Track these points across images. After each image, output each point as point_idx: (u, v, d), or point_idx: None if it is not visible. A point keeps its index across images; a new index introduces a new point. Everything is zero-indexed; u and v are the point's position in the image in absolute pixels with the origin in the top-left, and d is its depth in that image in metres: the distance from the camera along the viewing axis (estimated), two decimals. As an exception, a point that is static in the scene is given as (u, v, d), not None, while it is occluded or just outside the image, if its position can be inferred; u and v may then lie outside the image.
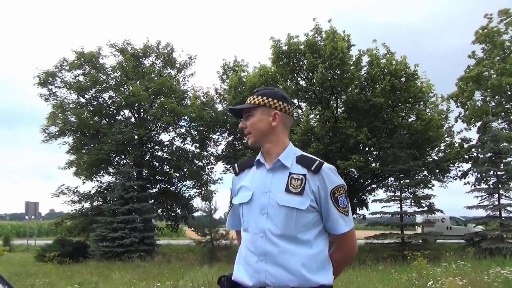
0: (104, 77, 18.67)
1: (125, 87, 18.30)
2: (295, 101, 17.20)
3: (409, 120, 16.22)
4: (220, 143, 18.82)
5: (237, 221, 1.75)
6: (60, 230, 18.13)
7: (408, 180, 13.86)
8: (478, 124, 17.43)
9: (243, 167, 1.77)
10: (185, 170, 18.62)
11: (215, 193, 18.18)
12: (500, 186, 12.60)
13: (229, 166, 17.72)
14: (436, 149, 16.31)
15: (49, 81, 17.99)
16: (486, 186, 13.37)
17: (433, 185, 15.90)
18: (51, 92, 18.19)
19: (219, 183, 19.29)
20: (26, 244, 20.88)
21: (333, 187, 1.62)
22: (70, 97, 18.42)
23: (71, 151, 18.10)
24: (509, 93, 16.92)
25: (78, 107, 18.02)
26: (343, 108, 16.54)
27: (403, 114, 16.17)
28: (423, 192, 14.38)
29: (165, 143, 19.37)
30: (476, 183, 15.66)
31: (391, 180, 15.03)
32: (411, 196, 14.00)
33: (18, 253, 17.54)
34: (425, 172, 16.14)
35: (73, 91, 18.22)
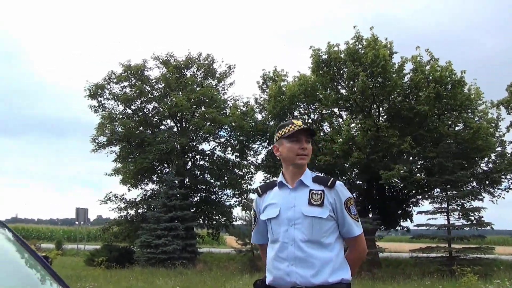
0: (149, 89, 19.37)
1: (168, 98, 18.90)
2: (335, 110, 17.03)
3: (456, 128, 15.55)
4: (260, 153, 18.94)
5: (261, 236, 2.16)
6: (107, 235, 18.88)
7: (455, 192, 13.26)
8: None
9: (265, 189, 2.15)
10: (226, 179, 18.88)
11: (255, 203, 18.23)
12: (558, 198, 11.78)
13: (269, 175, 17.76)
14: (486, 159, 15.48)
15: (99, 93, 18.90)
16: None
17: (483, 197, 15.10)
18: (100, 103, 19.09)
19: (259, 192, 19.32)
20: (77, 248, 21.94)
21: (345, 198, 2.01)
22: (118, 108, 19.26)
23: (118, 160, 18.86)
24: None
25: (125, 117, 18.78)
26: (385, 117, 16.18)
27: (450, 122, 15.55)
28: (471, 205, 13.71)
29: (207, 152, 19.75)
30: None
31: (437, 191, 14.43)
32: (458, 208, 13.37)
33: (69, 257, 18.47)
34: (474, 183, 15.36)
35: (120, 102, 19.03)
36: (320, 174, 2.10)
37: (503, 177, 15.21)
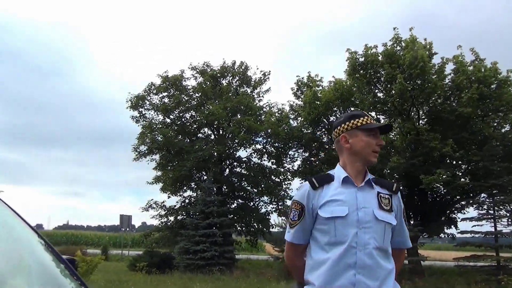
0: (187, 98, 19.89)
1: (205, 106, 19.31)
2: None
3: (502, 130, 14.76)
4: (296, 159, 18.86)
5: (303, 235, 1.85)
6: (149, 241, 19.47)
7: (502, 196, 12.53)
8: None
9: (322, 182, 1.85)
10: (263, 186, 18.94)
11: (292, 209, 18.14)
12: None
13: (304, 180, 17.62)
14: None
15: (140, 104, 19.65)
16: None
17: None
18: (141, 114, 19.84)
19: (296, 198, 19.22)
20: (121, 254, 22.77)
21: (403, 207, 1.90)
22: (157, 118, 19.92)
23: (158, 168, 19.46)
24: None
25: (164, 127, 19.38)
26: (425, 120, 15.63)
27: (495, 124, 14.79)
28: (521, 210, 12.89)
29: (243, 160, 19.94)
30: None
31: (483, 197, 13.70)
32: (507, 214, 12.62)
33: (114, 262, 19.21)
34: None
35: (159, 112, 19.69)
36: (377, 178, 1.93)
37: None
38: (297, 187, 1.94)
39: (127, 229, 24.66)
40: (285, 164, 19.23)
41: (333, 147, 18.23)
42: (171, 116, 19.95)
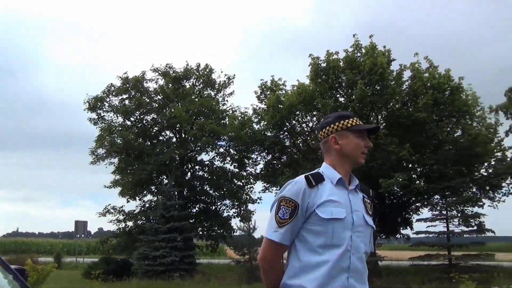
0: (148, 100, 19.47)
1: (167, 109, 18.96)
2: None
3: (455, 135, 15.49)
4: (259, 163, 18.88)
5: (291, 236, 1.72)
6: (106, 248, 18.78)
7: (455, 198, 13.14)
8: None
9: (317, 180, 1.75)
10: (225, 189, 18.81)
11: (254, 213, 18.19)
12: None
13: (268, 185, 17.67)
14: (486, 164, 15.38)
15: (98, 105, 19.01)
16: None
17: (483, 203, 14.94)
18: (99, 116, 19.18)
19: (258, 202, 19.29)
20: (75, 261, 21.80)
21: None
22: (117, 120, 19.36)
23: (117, 172, 18.86)
24: None
25: (124, 129, 18.85)
26: (384, 124, 16.13)
27: (448, 129, 15.50)
28: (472, 211, 13.56)
29: (205, 163, 19.73)
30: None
31: (437, 198, 14.32)
32: (458, 214, 13.24)
33: (67, 270, 18.32)
34: (474, 189, 15.23)
35: (119, 114, 19.13)
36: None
37: (502, 181, 15.09)
38: (286, 184, 1.77)
39: (82, 235, 23.66)
40: (248, 168, 19.21)
41: (295, 151, 18.53)
42: (131, 119, 19.46)
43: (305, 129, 17.16)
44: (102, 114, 19.24)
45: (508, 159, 15.76)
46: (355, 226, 1.70)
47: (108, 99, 19.24)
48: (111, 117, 19.31)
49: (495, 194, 15.40)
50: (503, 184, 15.31)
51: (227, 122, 18.39)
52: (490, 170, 15.32)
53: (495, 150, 15.14)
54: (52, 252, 27.32)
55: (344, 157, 1.82)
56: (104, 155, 18.69)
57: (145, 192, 19.13)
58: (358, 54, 15.36)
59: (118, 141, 18.45)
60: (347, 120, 1.84)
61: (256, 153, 18.46)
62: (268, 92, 17.64)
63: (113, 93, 19.22)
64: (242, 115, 18.86)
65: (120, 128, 18.99)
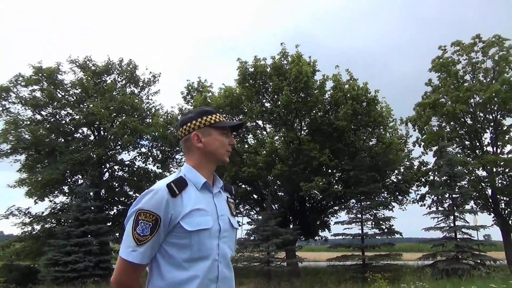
0: (63, 94, 18.03)
1: (85, 104, 17.72)
2: (260, 122, 17.29)
3: (370, 143, 16.68)
4: (183, 163, 18.47)
5: (151, 253, 1.52)
6: (8, 253, 16.90)
7: (369, 202, 14.10)
8: (435, 148, 18.16)
9: (180, 188, 1.56)
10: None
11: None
12: (455, 208, 13.04)
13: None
14: (396, 171, 16.82)
15: (3, 96, 17.15)
16: (442, 209, 13.84)
17: (393, 207, 16.29)
18: (4, 107, 17.31)
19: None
20: (-31, 270, 19.30)
21: None
22: (25, 113, 17.62)
23: (23, 170, 17.16)
24: (462, 119, 17.78)
25: (34, 124, 17.23)
26: (307, 131, 16.80)
27: (364, 137, 16.62)
28: (383, 214, 14.67)
29: (126, 163, 18.78)
30: (433, 205, 16.17)
31: (353, 202, 15.26)
32: (371, 218, 14.23)
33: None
34: (385, 194, 16.54)
35: (28, 107, 17.44)
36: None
37: (409, 186, 16.66)
38: (143, 194, 1.53)
39: (-21, 240, 21.07)
40: (171, 168, 18.72)
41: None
42: (43, 112, 17.85)
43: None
44: (7, 106, 17.39)
45: (415, 167, 17.43)
46: (222, 232, 1.58)
47: (15, 90, 17.43)
48: (18, 109, 17.54)
49: (404, 197, 16.97)
50: (410, 190, 16.93)
51: (151, 121, 17.73)
52: (400, 177, 16.81)
53: (405, 159, 16.62)
54: None
55: (208, 156, 1.67)
56: (9, 151, 16.89)
57: (56, 192, 17.64)
58: (285, 62, 15.82)
59: (26, 136, 16.80)
60: (210, 116, 1.69)
61: (181, 153, 18.06)
62: (194, 93, 17.40)
63: (22, 84, 17.46)
64: (167, 115, 18.36)
65: (29, 122, 17.32)
